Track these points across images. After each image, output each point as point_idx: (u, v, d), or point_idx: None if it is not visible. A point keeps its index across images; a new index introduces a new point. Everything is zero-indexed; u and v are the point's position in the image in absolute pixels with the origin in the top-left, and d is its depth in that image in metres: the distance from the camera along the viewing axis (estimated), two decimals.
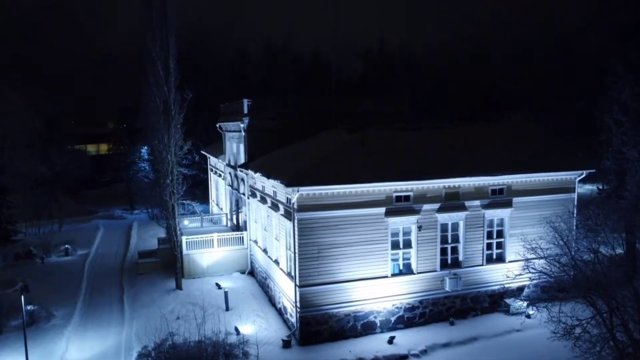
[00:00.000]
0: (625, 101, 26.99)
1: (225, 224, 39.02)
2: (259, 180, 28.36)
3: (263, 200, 28.02)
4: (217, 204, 45.06)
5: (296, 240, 22.40)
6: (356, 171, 23.03)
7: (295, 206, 22.17)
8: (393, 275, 23.92)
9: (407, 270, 24.27)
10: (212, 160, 46.56)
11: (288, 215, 23.50)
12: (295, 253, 22.63)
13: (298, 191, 21.73)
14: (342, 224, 22.81)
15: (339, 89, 48.88)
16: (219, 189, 44.31)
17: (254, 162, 29.85)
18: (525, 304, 25.00)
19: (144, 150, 57.11)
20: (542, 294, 24.32)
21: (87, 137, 75.38)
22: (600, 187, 42.44)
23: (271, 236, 27.31)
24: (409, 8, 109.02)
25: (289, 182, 21.91)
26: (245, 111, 30.91)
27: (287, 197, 23.38)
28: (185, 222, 38.07)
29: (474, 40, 66.84)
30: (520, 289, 25.87)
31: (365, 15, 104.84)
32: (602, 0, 33.12)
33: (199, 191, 52.28)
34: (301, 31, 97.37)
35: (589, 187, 44.74)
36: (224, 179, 40.44)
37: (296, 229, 22.32)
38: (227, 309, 26.00)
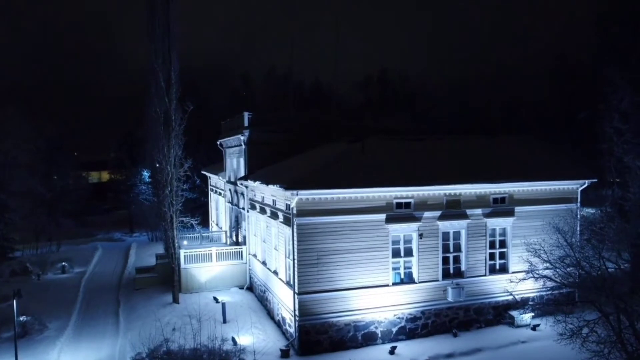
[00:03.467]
0: (626, 110, 27.00)
1: (224, 241, 38.57)
2: (259, 191, 28.16)
3: (262, 210, 27.75)
4: (217, 224, 44.70)
5: (295, 246, 22.01)
6: (356, 176, 22.78)
7: (295, 211, 21.88)
8: (394, 284, 23.39)
9: (408, 279, 23.76)
10: (213, 179, 46.51)
11: (287, 221, 23.18)
12: (294, 260, 22.21)
13: (297, 195, 21.46)
14: (342, 230, 22.45)
15: (340, 112, 49.27)
16: (219, 208, 44.06)
17: (253, 174, 29.71)
18: (530, 315, 24.37)
19: (145, 173, 57.16)
20: (548, 303, 23.73)
21: (89, 164, 75.63)
22: (603, 210, 42.01)
23: (270, 247, 26.92)
24: (413, 38, 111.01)
25: (288, 186, 21.69)
26: (246, 124, 30.98)
27: (287, 204, 23.11)
28: (185, 242, 37.51)
29: (476, 67, 67.81)
30: (525, 301, 25.26)
31: (369, 45, 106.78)
32: (599, 17, 33.73)
33: (199, 214, 51.89)
34: (303, 61, 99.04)
35: (589, 211, 44.21)
36: (223, 196, 40.23)
37: (295, 234, 21.96)
38: (225, 321, 25.47)
